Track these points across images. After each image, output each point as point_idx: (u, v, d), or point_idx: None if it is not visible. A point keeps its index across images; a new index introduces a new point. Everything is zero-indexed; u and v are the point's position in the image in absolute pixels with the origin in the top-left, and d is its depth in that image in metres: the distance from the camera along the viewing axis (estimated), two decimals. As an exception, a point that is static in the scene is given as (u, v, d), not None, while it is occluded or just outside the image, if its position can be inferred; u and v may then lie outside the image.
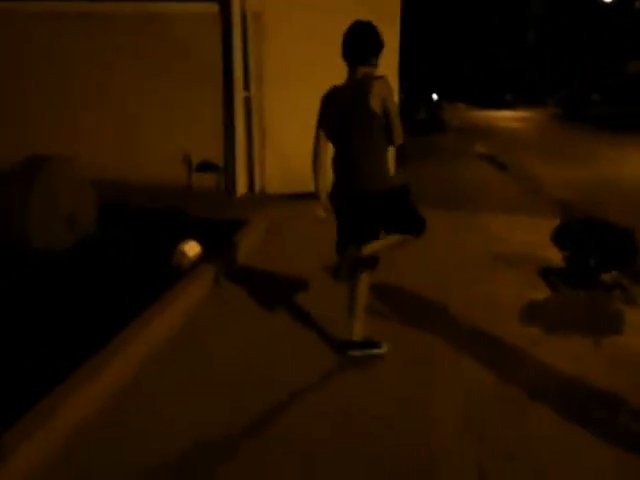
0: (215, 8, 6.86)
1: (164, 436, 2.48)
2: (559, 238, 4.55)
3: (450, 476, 2.29)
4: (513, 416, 2.69)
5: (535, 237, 5.41)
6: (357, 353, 3.16)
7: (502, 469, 2.33)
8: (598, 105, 25.99)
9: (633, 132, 17.14)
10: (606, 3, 31.27)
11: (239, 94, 6.87)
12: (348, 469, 2.32)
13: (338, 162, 3.08)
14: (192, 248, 4.30)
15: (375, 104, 2.85)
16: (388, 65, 7.16)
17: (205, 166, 7.19)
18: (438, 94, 20.85)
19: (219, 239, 4.77)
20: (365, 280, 3.15)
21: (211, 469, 2.30)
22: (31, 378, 2.64)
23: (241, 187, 7.09)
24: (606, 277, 4.35)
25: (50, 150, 4.80)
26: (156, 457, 2.34)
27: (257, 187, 7.21)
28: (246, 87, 6.94)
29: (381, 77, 2.91)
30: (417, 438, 2.52)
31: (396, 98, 7.86)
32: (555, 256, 4.61)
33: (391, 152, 7.04)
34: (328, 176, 3.12)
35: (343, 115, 2.97)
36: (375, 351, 3.18)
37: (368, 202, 2.99)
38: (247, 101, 6.99)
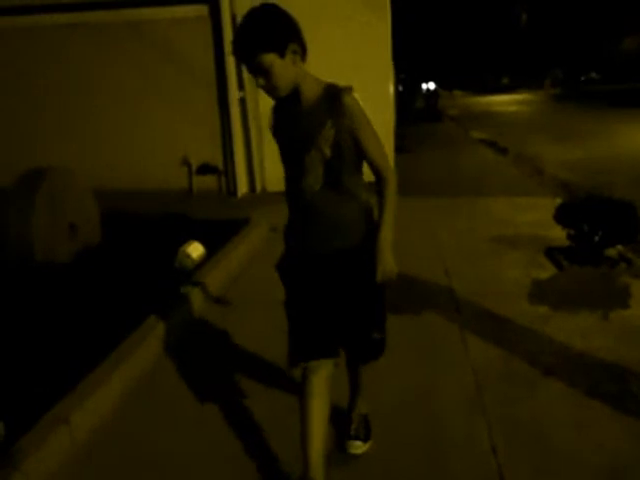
0: (205, 11, 6.88)
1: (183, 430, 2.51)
2: (562, 216, 4.54)
3: (462, 453, 2.29)
4: (523, 392, 2.70)
5: (538, 217, 5.41)
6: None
7: (513, 444, 2.34)
8: (596, 83, 25.82)
9: (632, 108, 17.04)
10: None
11: (234, 94, 6.89)
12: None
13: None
14: (196, 249, 4.32)
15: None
16: (382, 57, 7.21)
17: (205, 169, 7.23)
18: (435, 83, 20.80)
19: (222, 240, 4.79)
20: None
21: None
22: (34, 388, 2.65)
23: (242, 187, 7.12)
24: (611, 252, 4.35)
25: (49, 160, 4.83)
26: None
27: (258, 186, 7.23)
28: (240, 87, 6.96)
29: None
30: (428, 418, 2.53)
31: (392, 89, 7.93)
32: (559, 235, 4.60)
33: (389, 141, 7.12)
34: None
35: None
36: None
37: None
38: (242, 101, 7.01)
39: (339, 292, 2.04)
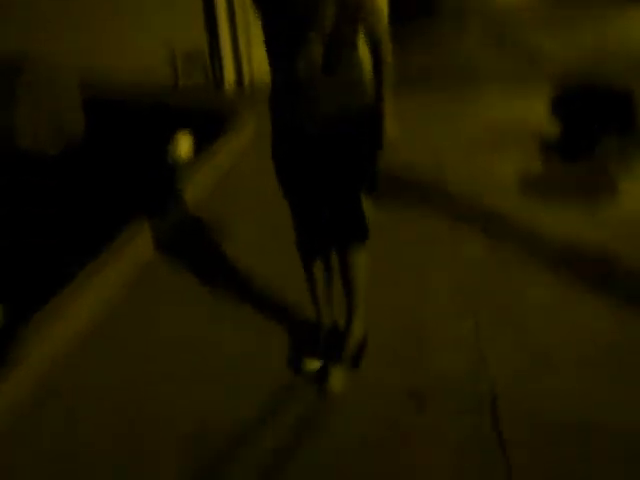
0: None
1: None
2: (556, 109, 4.47)
3: (446, 335, 2.42)
4: (510, 282, 2.79)
5: (534, 110, 5.28)
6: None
7: (496, 327, 2.46)
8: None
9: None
10: None
11: (219, -22, 6.46)
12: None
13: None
14: (185, 143, 4.25)
15: None
16: None
17: (191, 60, 6.92)
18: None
19: (211, 133, 4.70)
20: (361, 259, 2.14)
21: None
22: (31, 280, 2.71)
23: (229, 79, 6.87)
24: (604, 145, 4.31)
25: (25, 48, 4.59)
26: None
27: (246, 77, 6.97)
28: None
29: None
30: (414, 302, 2.65)
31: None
32: (554, 128, 4.54)
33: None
34: None
35: None
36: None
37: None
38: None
39: (327, 165, 1.98)
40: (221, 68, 6.78)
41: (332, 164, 1.97)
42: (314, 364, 2.25)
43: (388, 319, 2.50)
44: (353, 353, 2.25)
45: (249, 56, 6.89)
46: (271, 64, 1.95)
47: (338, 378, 2.18)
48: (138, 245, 3.10)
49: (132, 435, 2.02)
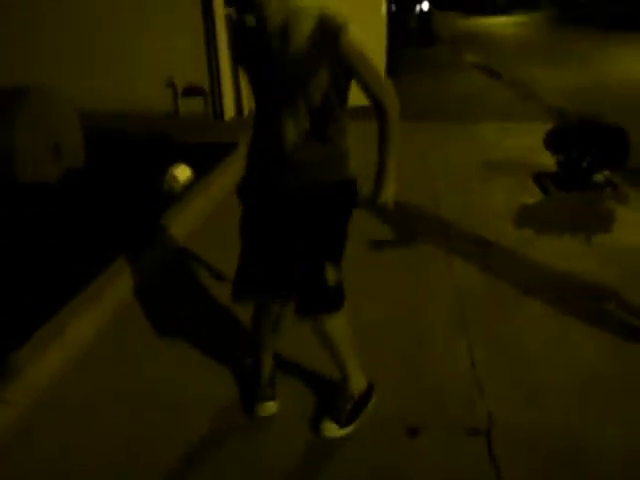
0: None
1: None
2: (551, 142, 4.52)
3: (444, 368, 2.40)
4: (505, 311, 2.79)
5: (528, 143, 5.37)
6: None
7: (493, 359, 2.44)
8: (595, 4, 24.90)
9: (631, 31, 16.59)
10: None
11: (220, 11, 6.59)
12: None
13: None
14: (183, 172, 4.28)
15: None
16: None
17: (191, 91, 7.01)
18: (429, 3, 19.91)
19: (210, 164, 4.73)
20: (335, 325, 2.01)
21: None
22: (25, 307, 2.68)
23: (229, 110, 6.95)
24: (598, 177, 4.36)
25: (26, 79, 4.65)
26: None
27: (246, 109, 7.06)
28: (227, 3, 6.64)
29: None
30: (410, 335, 2.62)
31: (384, 9, 7.57)
32: (549, 161, 4.60)
33: (382, 64, 6.87)
34: None
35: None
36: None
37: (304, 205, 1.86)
38: (229, 18, 6.70)
39: (295, 232, 1.90)
40: (221, 98, 6.87)
41: (298, 228, 1.89)
42: (268, 408, 2.19)
43: (385, 354, 2.48)
44: (346, 410, 2.11)
45: (249, 89, 6.98)
46: (255, 122, 1.89)
47: (329, 429, 2.07)
48: (120, 284, 3.00)
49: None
